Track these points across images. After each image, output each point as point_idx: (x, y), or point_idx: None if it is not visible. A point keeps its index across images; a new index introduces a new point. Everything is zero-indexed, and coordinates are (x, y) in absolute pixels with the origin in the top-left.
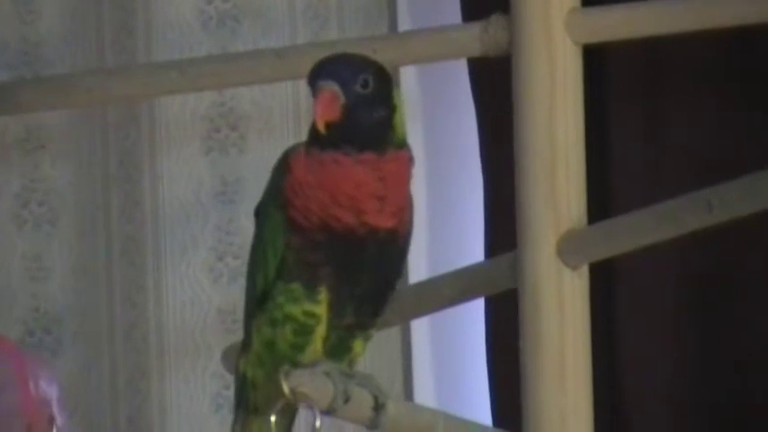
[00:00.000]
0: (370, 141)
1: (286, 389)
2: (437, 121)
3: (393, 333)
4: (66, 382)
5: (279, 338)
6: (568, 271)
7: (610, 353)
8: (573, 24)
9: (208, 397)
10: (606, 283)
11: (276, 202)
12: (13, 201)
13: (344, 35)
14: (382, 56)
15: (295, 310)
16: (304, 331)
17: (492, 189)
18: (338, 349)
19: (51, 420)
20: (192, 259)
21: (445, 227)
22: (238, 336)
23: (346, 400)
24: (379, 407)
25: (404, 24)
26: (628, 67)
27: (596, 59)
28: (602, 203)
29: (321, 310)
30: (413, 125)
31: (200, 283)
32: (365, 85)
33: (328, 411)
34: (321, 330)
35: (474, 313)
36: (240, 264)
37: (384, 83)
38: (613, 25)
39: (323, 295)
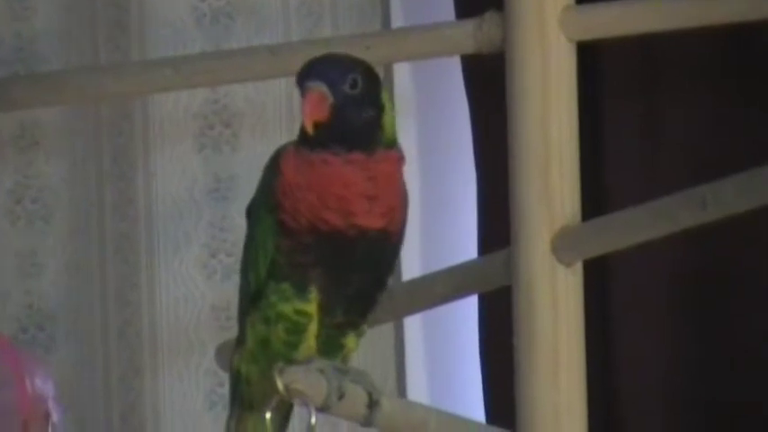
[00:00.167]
0: (359, 141)
1: (280, 386)
2: (430, 118)
3: (386, 330)
4: (59, 378)
5: (272, 336)
6: (562, 268)
7: (604, 350)
8: (567, 21)
9: (201, 394)
10: (600, 280)
11: (267, 205)
12: (7, 197)
13: (338, 32)
14: (375, 53)
15: (287, 308)
16: (297, 329)
17: (486, 186)
18: (330, 346)
19: (47, 417)
20: (186, 256)
21: (438, 224)
22: (232, 333)
23: (341, 397)
24: (373, 404)
25: (397, 21)
26: (622, 64)
27: (590, 56)
28: (596, 200)
29: (312, 308)
30: (406, 122)
31: (193, 280)
32: (354, 86)
33: (323, 408)
34: (314, 328)
35: (467, 310)
36: (233, 261)
37: (373, 83)
38: (607, 22)
39: (314, 294)
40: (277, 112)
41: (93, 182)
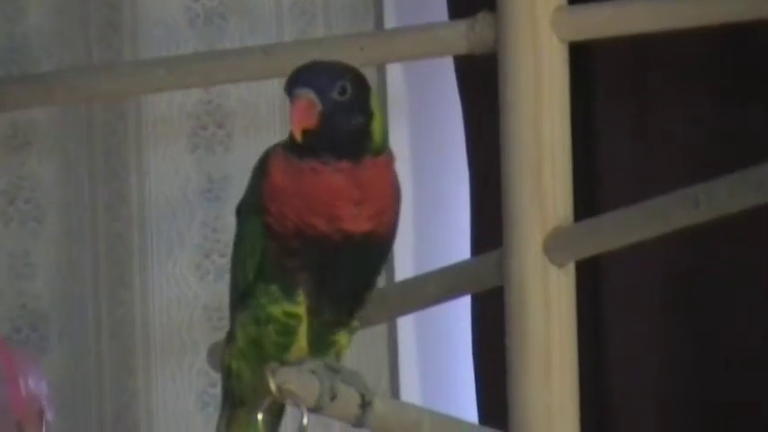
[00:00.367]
0: (348, 148)
1: (273, 386)
2: (423, 119)
3: (379, 331)
4: (52, 379)
5: (264, 338)
6: (555, 268)
7: (596, 350)
8: (559, 22)
9: (194, 394)
10: (593, 280)
11: (254, 208)
12: (0, 198)
13: (331, 32)
14: (368, 53)
15: (276, 310)
16: (287, 331)
17: (478, 186)
18: (321, 343)
19: (41, 416)
20: (179, 257)
21: (431, 224)
22: (224, 333)
23: (333, 398)
24: (365, 404)
25: (390, 22)
26: (614, 64)
27: (582, 57)
28: (588, 201)
29: (301, 311)
30: (399, 122)
31: (186, 281)
32: (342, 92)
33: (315, 409)
34: (304, 330)
35: (460, 311)
36: (226, 261)
37: (361, 89)
38: (599, 23)
39: (302, 297)
40: (270, 113)
41: (85, 182)
